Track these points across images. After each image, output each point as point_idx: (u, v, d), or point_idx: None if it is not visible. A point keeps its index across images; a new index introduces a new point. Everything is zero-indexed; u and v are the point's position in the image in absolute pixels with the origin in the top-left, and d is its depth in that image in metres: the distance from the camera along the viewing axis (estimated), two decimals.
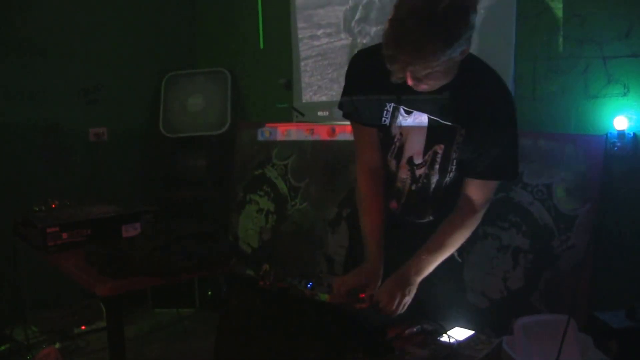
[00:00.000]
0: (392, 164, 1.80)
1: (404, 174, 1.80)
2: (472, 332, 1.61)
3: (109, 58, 4.07)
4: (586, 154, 2.55)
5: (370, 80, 1.72)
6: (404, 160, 1.78)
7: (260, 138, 3.83)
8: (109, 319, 2.35)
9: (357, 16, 3.44)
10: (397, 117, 1.73)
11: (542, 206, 2.66)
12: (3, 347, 3.34)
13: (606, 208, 2.53)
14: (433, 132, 1.70)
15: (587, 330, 2.17)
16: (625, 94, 2.50)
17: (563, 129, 2.68)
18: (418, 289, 1.70)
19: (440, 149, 1.72)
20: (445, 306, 1.79)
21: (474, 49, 2.86)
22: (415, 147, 1.74)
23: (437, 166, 1.74)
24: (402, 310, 1.65)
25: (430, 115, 1.68)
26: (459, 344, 1.54)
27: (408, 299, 1.66)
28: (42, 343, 3.39)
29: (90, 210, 2.71)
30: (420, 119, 1.70)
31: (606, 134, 2.51)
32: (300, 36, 3.73)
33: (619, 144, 2.46)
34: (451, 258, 1.81)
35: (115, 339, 2.28)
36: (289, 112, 3.85)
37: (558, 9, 2.66)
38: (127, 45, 4.15)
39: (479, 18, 2.82)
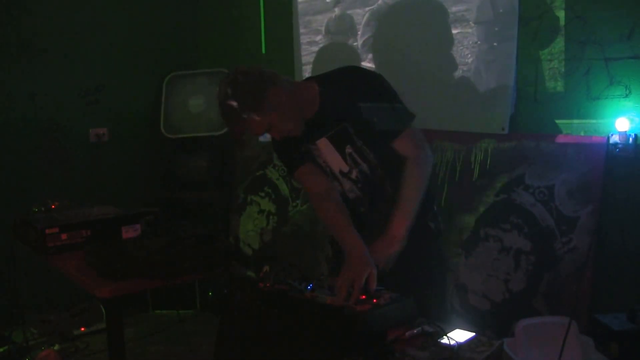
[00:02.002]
0: (336, 184, 2.10)
1: (347, 185, 2.08)
2: (473, 334, 1.61)
3: (110, 58, 4.07)
4: (588, 155, 2.54)
5: (286, 140, 2.04)
6: (339, 175, 2.08)
7: (261, 139, 3.81)
8: (108, 321, 2.34)
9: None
10: (313, 153, 2.07)
11: (543, 208, 2.65)
12: (2, 349, 3.34)
13: (608, 210, 2.52)
14: (336, 143, 2.02)
15: (588, 332, 2.16)
16: (627, 96, 2.49)
17: (565, 130, 2.68)
18: (407, 267, 1.90)
19: (349, 148, 2.02)
20: (425, 283, 1.99)
21: (476, 52, 2.88)
22: (336, 162, 2.05)
23: (359, 160, 2.02)
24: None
25: (324, 134, 2.01)
26: (460, 346, 1.54)
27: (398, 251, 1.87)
28: (41, 345, 3.39)
29: (90, 211, 2.70)
30: (321, 141, 2.03)
31: (608, 136, 2.50)
32: (301, 42, 3.74)
33: (620, 146, 2.46)
34: (429, 232, 2.08)
35: (115, 341, 2.27)
36: None
37: (560, 10, 2.65)
38: (128, 46, 4.15)
39: (481, 20, 2.83)
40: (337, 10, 3.51)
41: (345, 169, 2.05)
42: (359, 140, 2.00)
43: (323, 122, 1.99)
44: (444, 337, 1.57)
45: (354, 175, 2.06)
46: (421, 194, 1.95)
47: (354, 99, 1.95)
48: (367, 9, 3.33)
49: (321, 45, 3.63)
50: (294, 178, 2.20)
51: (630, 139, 2.45)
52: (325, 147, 2.04)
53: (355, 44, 3.40)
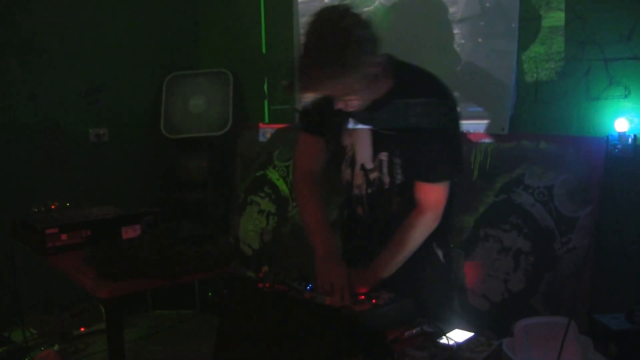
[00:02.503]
0: (347, 172, 1.93)
1: (359, 180, 1.91)
2: (472, 334, 1.61)
3: (110, 58, 4.07)
4: (587, 156, 2.54)
5: (320, 102, 1.87)
6: (357, 168, 1.90)
7: (261, 139, 3.82)
8: (108, 321, 2.35)
9: None
10: (346, 129, 1.87)
11: (543, 208, 2.65)
12: (1, 350, 3.34)
13: (607, 210, 2.52)
14: (376, 141, 1.84)
15: (587, 332, 2.16)
16: (626, 96, 2.49)
17: (564, 131, 2.68)
18: (407, 292, 1.73)
19: (384, 156, 1.84)
20: (435, 309, 1.83)
21: (478, 53, 2.89)
22: (365, 155, 1.87)
23: (385, 170, 1.85)
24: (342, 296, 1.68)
25: (372, 126, 1.82)
26: (459, 346, 1.54)
27: (350, 292, 1.69)
28: (41, 345, 3.38)
29: (90, 211, 2.70)
30: (365, 129, 1.84)
31: (607, 136, 2.51)
32: (300, 41, 3.74)
33: (619, 146, 2.46)
34: (436, 259, 1.92)
35: (114, 341, 2.27)
36: (291, 113, 3.85)
37: (560, 11, 2.66)
38: (128, 46, 4.15)
39: (483, 22, 2.84)
40: None
41: (369, 166, 1.88)
42: (398, 158, 1.82)
43: (379, 114, 1.76)
44: (443, 337, 1.57)
45: (372, 177, 1.89)
46: (414, 249, 1.82)
47: (420, 117, 1.73)
48: (364, 9, 3.33)
49: None
50: (298, 141, 2.01)
51: (630, 140, 2.46)
52: (363, 136, 1.85)
53: None
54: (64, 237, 2.46)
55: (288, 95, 3.90)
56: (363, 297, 1.64)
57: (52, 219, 2.55)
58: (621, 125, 2.47)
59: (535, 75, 2.77)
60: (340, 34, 1.57)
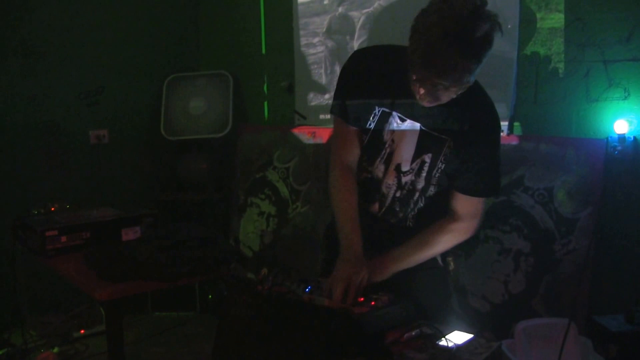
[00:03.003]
0: (380, 168, 1.84)
1: (390, 179, 1.84)
2: (472, 335, 1.61)
3: (111, 60, 4.07)
4: (587, 157, 2.54)
5: (367, 82, 1.76)
6: (392, 167, 1.82)
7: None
8: (108, 323, 2.34)
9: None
10: (390, 123, 1.78)
11: (543, 210, 2.66)
12: (1, 352, 3.33)
13: (607, 212, 2.53)
14: (423, 141, 1.76)
15: (587, 333, 2.17)
16: (625, 98, 2.49)
17: (564, 132, 2.68)
18: (403, 294, 1.73)
19: (428, 157, 1.77)
20: (433, 311, 1.81)
21: None
22: (405, 155, 1.79)
23: (423, 174, 1.79)
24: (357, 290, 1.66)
25: (423, 125, 1.74)
26: (458, 347, 1.54)
27: (365, 283, 1.69)
28: (41, 347, 3.37)
29: (89, 213, 2.70)
30: (414, 127, 1.75)
31: (607, 138, 2.51)
32: (300, 44, 3.75)
33: (619, 148, 2.46)
34: (434, 264, 1.89)
35: (114, 343, 2.27)
36: (291, 115, 3.85)
37: (559, 13, 2.66)
38: (128, 47, 4.15)
39: None
40: (340, 9, 3.51)
41: (405, 167, 1.80)
42: (442, 164, 1.76)
43: (435, 110, 1.67)
44: (443, 339, 1.57)
45: (404, 179, 1.82)
46: (435, 253, 1.83)
47: (473, 124, 1.70)
48: (363, 11, 3.34)
49: (318, 47, 3.63)
50: (335, 126, 1.89)
51: (629, 141, 2.46)
52: (409, 134, 1.76)
53: (349, 45, 3.41)
54: (63, 239, 2.46)
55: (288, 96, 3.91)
56: (362, 299, 1.64)
57: (51, 221, 2.54)
58: (621, 126, 2.47)
59: (535, 76, 2.77)
60: (489, 26, 1.49)
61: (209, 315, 3.93)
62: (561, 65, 2.68)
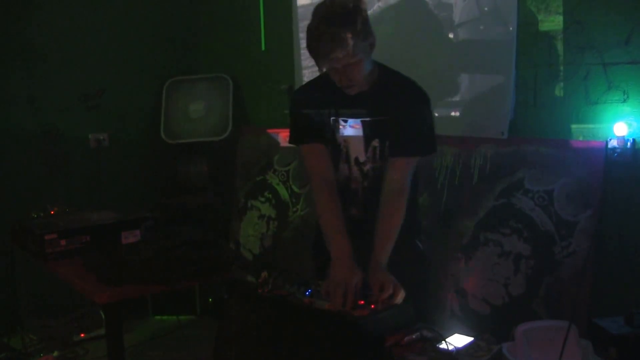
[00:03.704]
0: (345, 168, 2.07)
1: (355, 172, 2.07)
2: (472, 338, 1.61)
3: (110, 63, 4.07)
4: (587, 160, 2.54)
5: (313, 105, 2.06)
6: (352, 162, 2.06)
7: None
8: (108, 327, 2.34)
9: None
10: (338, 128, 2.04)
11: (543, 212, 2.65)
12: (1, 356, 3.33)
13: (607, 214, 2.52)
14: (367, 131, 2.01)
15: (587, 336, 2.16)
16: (625, 100, 2.49)
17: (564, 135, 2.68)
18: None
19: (376, 142, 2.01)
20: (414, 294, 1.91)
21: (477, 57, 2.89)
22: (357, 148, 2.04)
23: (377, 157, 2.03)
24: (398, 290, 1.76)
25: (362, 117, 2.00)
26: (458, 351, 1.54)
27: (393, 280, 1.79)
28: (40, 351, 3.37)
29: (89, 216, 2.70)
30: (356, 123, 2.02)
31: (606, 140, 2.51)
32: (300, 45, 3.75)
33: (619, 150, 2.46)
34: (414, 246, 2.11)
35: (114, 347, 2.27)
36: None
37: (558, 15, 2.66)
38: (128, 51, 4.15)
39: (481, 26, 2.84)
40: None
41: (362, 158, 2.05)
42: (388, 140, 2.00)
43: (368, 102, 1.98)
44: (443, 342, 1.57)
45: (366, 168, 2.05)
46: (399, 225, 1.96)
47: (402, 100, 1.97)
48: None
49: None
50: (303, 153, 2.15)
51: (629, 144, 2.46)
52: (354, 129, 2.03)
53: None
54: (63, 242, 2.46)
55: (288, 99, 3.91)
56: (363, 302, 1.64)
57: (51, 225, 2.55)
58: (620, 129, 2.47)
59: (534, 79, 2.78)
60: (352, 3, 1.84)
61: (209, 318, 3.93)
62: (560, 68, 2.68)
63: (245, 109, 4.29)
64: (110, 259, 2.23)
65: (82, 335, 3.60)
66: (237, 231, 4.01)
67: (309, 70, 3.70)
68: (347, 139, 2.05)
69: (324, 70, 1.90)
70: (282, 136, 3.79)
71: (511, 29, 2.74)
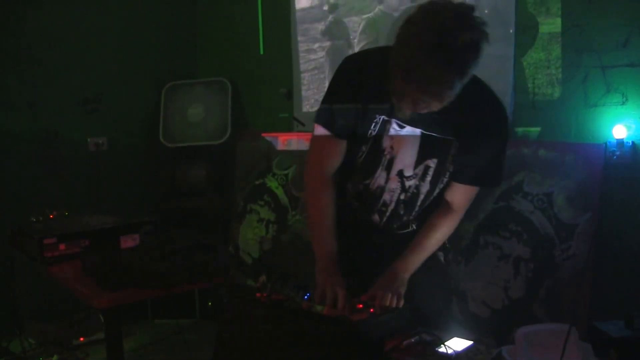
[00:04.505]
0: (382, 176, 1.79)
1: (393, 184, 1.80)
2: (471, 342, 1.60)
3: (109, 68, 4.08)
4: (586, 162, 2.54)
5: (362, 90, 1.70)
6: (394, 173, 1.78)
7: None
8: (107, 331, 2.34)
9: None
10: (388, 130, 1.72)
11: (542, 215, 2.65)
12: None
13: (606, 216, 2.52)
14: (426, 146, 1.72)
15: (587, 339, 2.16)
16: (623, 103, 2.50)
17: (563, 137, 2.68)
18: (416, 297, 1.77)
19: (432, 162, 1.74)
20: (434, 309, 1.87)
21: None
22: (406, 160, 1.75)
23: (428, 178, 1.77)
24: (396, 303, 1.69)
25: (425, 130, 1.70)
26: (458, 354, 1.53)
27: (400, 294, 1.72)
28: (40, 355, 3.37)
29: (88, 220, 2.70)
30: (414, 132, 1.71)
31: (605, 143, 2.51)
32: (298, 48, 3.75)
33: (618, 153, 2.46)
34: (436, 260, 1.92)
35: (113, 351, 2.26)
36: (290, 121, 3.85)
37: (556, 19, 2.66)
38: (126, 55, 4.16)
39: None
40: (331, 17, 3.53)
41: (409, 173, 1.77)
42: (451, 166, 1.74)
43: (437, 115, 1.58)
44: (442, 345, 1.56)
45: (407, 184, 1.79)
46: (437, 247, 1.85)
47: (480, 123, 1.67)
48: (363, 16, 3.35)
49: (319, 53, 3.64)
50: (318, 140, 1.82)
51: (628, 146, 2.46)
52: (409, 140, 1.71)
53: (350, 51, 3.42)
54: (62, 246, 2.46)
55: (287, 102, 3.91)
56: (361, 305, 1.64)
57: (50, 229, 2.54)
58: (619, 131, 2.47)
59: (533, 82, 2.78)
60: (475, 35, 1.39)
61: (209, 322, 3.92)
62: (559, 71, 2.68)
63: (244, 113, 4.30)
64: (110, 263, 2.22)
65: (82, 339, 3.60)
66: (236, 235, 4.00)
67: (308, 73, 3.70)
68: (395, 145, 1.73)
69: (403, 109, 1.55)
70: (281, 140, 3.79)
71: (511, 31, 2.74)
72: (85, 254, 2.46)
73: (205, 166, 4.15)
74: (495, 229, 2.78)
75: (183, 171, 4.17)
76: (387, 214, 1.86)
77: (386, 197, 1.83)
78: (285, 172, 3.79)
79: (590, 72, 2.58)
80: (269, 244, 3.83)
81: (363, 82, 1.69)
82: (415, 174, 1.77)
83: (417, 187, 1.79)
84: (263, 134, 3.90)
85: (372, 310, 1.62)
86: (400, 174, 1.77)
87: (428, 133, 1.70)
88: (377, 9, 3.26)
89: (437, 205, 1.84)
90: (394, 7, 3.18)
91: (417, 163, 1.75)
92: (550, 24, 2.69)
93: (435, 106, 1.51)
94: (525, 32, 2.75)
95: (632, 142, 2.46)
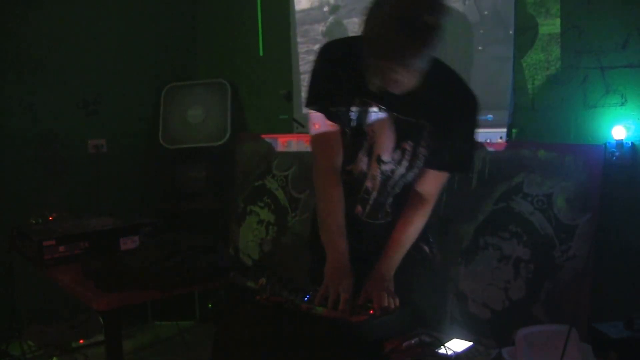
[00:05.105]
0: (364, 161, 1.84)
1: (374, 171, 1.84)
2: (471, 343, 1.60)
3: (108, 69, 4.08)
4: (585, 163, 2.54)
5: (340, 77, 1.75)
6: (374, 158, 1.83)
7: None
8: (107, 333, 2.34)
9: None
10: (369, 115, 1.77)
11: (542, 216, 2.65)
12: None
13: (606, 217, 2.52)
14: (402, 130, 1.78)
15: (587, 340, 2.16)
16: (623, 104, 2.50)
17: (562, 139, 2.68)
18: (396, 286, 1.79)
19: (408, 145, 1.79)
20: (427, 304, 1.89)
21: (474, 61, 2.89)
22: (384, 145, 1.80)
23: (404, 162, 1.81)
24: (393, 303, 1.69)
25: (400, 114, 1.75)
26: (457, 355, 1.53)
27: (393, 293, 1.73)
28: (39, 358, 3.37)
29: (88, 222, 2.69)
30: (390, 117, 1.77)
31: (605, 144, 2.51)
32: (298, 50, 3.75)
33: (617, 154, 2.46)
34: (425, 254, 1.97)
35: (113, 353, 2.26)
36: (290, 123, 3.85)
37: (556, 20, 2.67)
38: (126, 57, 4.16)
39: (481, 30, 2.85)
40: (331, 19, 3.53)
41: (386, 157, 1.81)
42: (424, 149, 1.79)
43: (410, 99, 1.65)
44: (442, 347, 1.56)
45: (387, 168, 1.83)
46: (413, 240, 1.87)
47: (451, 107, 1.74)
48: (364, 18, 3.35)
49: None
50: (315, 135, 1.85)
51: (627, 147, 2.46)
52: (386, 124, 1.77)
53: None
54: (61, 248, 2.45)
55: (287, 104, 3.91)
56: (360, 307, 1.64)
57: (49, 231, 2.54)
58: (618, 132, 2.47)
59: (532, 83, 2.78)
60: (436, 10, 1.52)
61: (208, 324, 3.92)
62: (558, 72, 2.69)
63: (244, 115, 4.30)
64: (109, 265, 2.22)
65: (82, 341, 3.60)
66: (236, 236, 4.00)
67: (308, 75, 3.69)
68: (375, 130, 1.79)
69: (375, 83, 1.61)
70: (280, 141, 3.79)
71: (510, 32, 2.74)
72: (84, 256, 2.45)
73: (204, 168, 4.15)
74: (495, 230, 2.78)
75: (183, 173, 4.17)
76: (370, 201, 1.89)
77: (368, 184, 1.87)
78: (285, 173, 3.78)
79: (590, 73, 2.58)
80: (269, 246, 3.83)
81: (344, 67, 1.73)
82: (393, 159, 1.81)
83: (393, 172, 1.84)
84: (263, 136, 3.90)
85: (371, 311, 1.61)
86: (379, 159, 1.82)
87: (403, 117, 1.75)
88: None
89: (408, 198, 1.88)
90: None
91: (395, 147, 1.80)
92: (550, 25, 2.69)
93: (407, 79, 1.57)
94: (525, 33, 2.75)
95: (632, 143, 2.46)
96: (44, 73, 3.82)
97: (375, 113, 1.77)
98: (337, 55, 1.79)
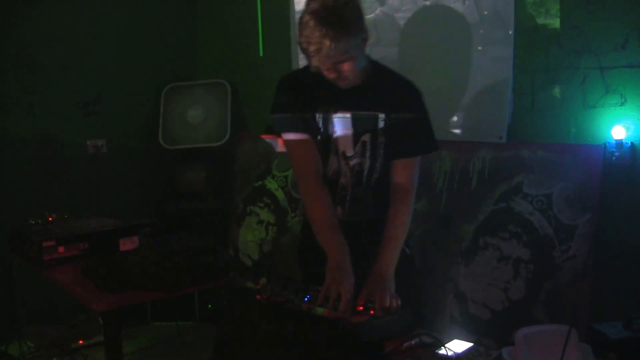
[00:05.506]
0: (334, 161, 2.03)
1: (344, 167, 2.03)
2: (471, 344, 1.60)
3: (108, 70, 4.07)
4: (585, 163, 2.54)
5: (301, 93, 2.00)
6: (340, 156, 2.02)
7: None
8: (106, 334, 2.34)
9: None
10: (329, 120, 1.99)
11: (542, 216, 2.65)
12: None
13: (606, 217, 2.52)
14: (358, 125, 1.97)
15: (586, 340, 2.16)
16: (622, 104, 2.50)
17: (562, 139, 2.69)
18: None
19: (367, 137, 1.98)
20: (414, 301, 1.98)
21: (474, 61, 2.89)
22: (346, 142, 1.99)
23: (367, 153, 1.99)
24: (396, 303, 1.73)
25: (354, 110, 1.96)
26: (458, 356, 1.53)
27: (394, 293, 1.78)
28: (39, 358, 3.36)
29: (87, 223, 2.69)
30: (346, 116, 1.97)
31: (604, 144, 2.51)
32: (298, 50, 3.75)
33: (617, 154, 2.46)
34: (405, 255, 2.02)
35: (113, 354, 2.26)
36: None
37: (555, 20, 2.67)
38: (126, 57, 4.15)
39: (480, 30, 2.85)
40: None
41: (350, 153, 2.00)
42: (382, 137, 1.97)
43: (359, 96, 1.93)
44: (442, 347, 1.56)
45: (352, 162, 2.01)
46: (406, 233, 1.97)
47: (397, 97, 1.95)
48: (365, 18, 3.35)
49: None
50: (288, 144, 2.07)
51: (627, 147, 2.46)
52: (343, 122, 1.98)
53: None
54: (61, 249, 2.45)
55: None
56: (361, 307, 1.64)
57: (49, 231, 2.54)
58: (618, 132, 2.47)
59: (532, 83, 2.78)
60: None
61: (208, 324, 3.92)
62: (558, 72, 2.69)
63: (244, 115, 4.30)
64: (109, 266, 2.22)
65: (81, 342, 3.59)
66: (236, 237, 4.00)
67: None
68: (335, 130, 2.00)
69: (315, 65, 1.85)
70: (280, 142, 3.78)
71: (510, 32, 2.74)
72: (84, 256, 2.45)
73: (204, 168, 4.14)
74: (494, 230, 2.79)
75: (182, 173, 4.17)
76: (348, 197, 2.04)
77: (342, 181, 2.04)
78: (285, 173, 3.79)
79: (589, 73, 2.58)
80: (269, 246, 3.83)
81: (300, 89, 2.01)
82: (356, 152, 1.99)
83: (361, 165, 2.00)
84: (262, 136, 3.90)
85: (372, 312, 1.62)
86: (344, 155, 2.01)
87: (357, 113, 1.96)
88: (378, 10, 3.26)
89: (389, 194, 1.98)
90: (395, 8, 3.18)
91: (355, 141, 1.99)
92: (550, 25, 2.70)
93: (347, 68, 1.81)
94: (525, 34, 2.75)
95: (631, 143, 2.46)
96: (44, 73, 3.81)
97: (335, 116, 1.97)
98: (293, 81, 2.08)
